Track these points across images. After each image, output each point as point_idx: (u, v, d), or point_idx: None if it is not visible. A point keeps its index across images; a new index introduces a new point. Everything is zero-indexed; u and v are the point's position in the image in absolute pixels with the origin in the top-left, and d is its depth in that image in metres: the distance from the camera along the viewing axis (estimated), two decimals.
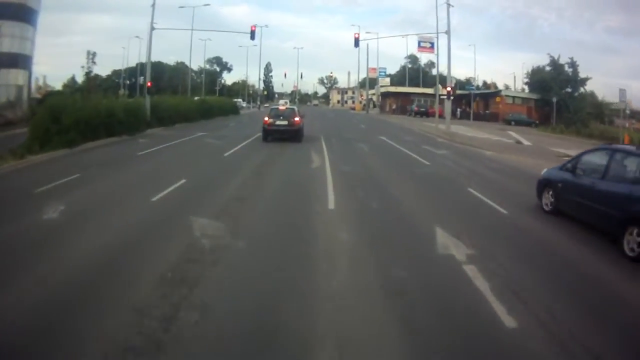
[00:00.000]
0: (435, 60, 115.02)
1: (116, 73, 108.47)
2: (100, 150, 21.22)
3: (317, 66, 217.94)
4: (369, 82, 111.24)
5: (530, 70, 74.98)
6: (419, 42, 40.54)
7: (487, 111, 69.34)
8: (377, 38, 66.98)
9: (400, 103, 76.72)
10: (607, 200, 9.10)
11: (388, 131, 36.44)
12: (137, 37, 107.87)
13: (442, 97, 70.36)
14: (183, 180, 13.25)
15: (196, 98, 52.00)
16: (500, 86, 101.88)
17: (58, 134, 21.01)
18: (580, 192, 10.06)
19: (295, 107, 26.47)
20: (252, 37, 38.99)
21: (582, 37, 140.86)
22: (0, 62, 58.44)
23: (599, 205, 9.29)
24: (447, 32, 37.30)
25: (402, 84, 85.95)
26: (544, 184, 11.59)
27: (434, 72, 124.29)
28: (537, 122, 61.29)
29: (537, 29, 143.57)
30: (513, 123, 59.34)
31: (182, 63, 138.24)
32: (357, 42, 41.18)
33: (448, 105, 37.73)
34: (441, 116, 65.38)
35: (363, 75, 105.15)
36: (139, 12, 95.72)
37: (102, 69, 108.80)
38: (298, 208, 10.58)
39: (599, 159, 10.05)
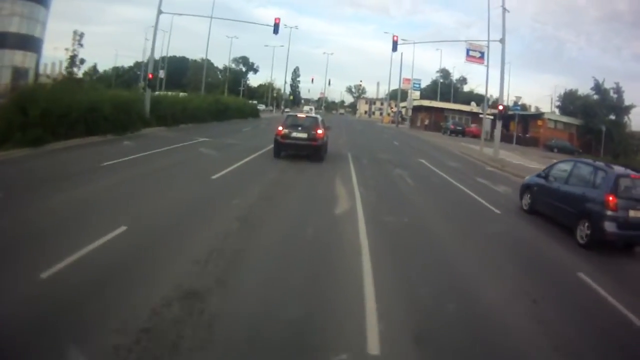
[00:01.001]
0: (465, 75, 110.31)
1: (138, 65, 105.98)
2: (65, 153, 16.42)
3: (346, 75, 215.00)
4: (397, 95, 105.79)
5: (562, 94, 71.80)
6: (468, 51, 34.76)
7: (527, 134, 63.13)
8: (415, 43, 60.85)
9: (433, 119, 70.82)
10: (567, 200, 11.40)
11: (426, 152, 30.86)
12: (162, 30, 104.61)
13: (481, 115, 65.15)
14: (121, 229, 7.96)
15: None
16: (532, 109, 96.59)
17: (23, 129, 16.40)
18: (549, 194, 12.26)
19: (319, 116, 20.99)
20: (276, 31, 33.84)
21: (609, 63, 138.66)
22: (4, 42, 54.75)
23: (561, 204, 11.57)
24: (502, 41, 31.55)
25: (432, 99, 79.90)
26: (524, 188, 13.93)
27: (466, 88, 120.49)
28: (580, 150, 55.35)
29: (566, 52, 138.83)
30: (555, 150, 53.56)
31: (208, 60, 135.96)
32: (395, 46, 35.64)
33: (499, 128, 31.93)
34: (476, 136, 60.36)
35: (393, 86, 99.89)
36: (171, 5, 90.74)
37: (127, 60, 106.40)
38: (303, 347, 5.01)
39: (565, 168, 12.36)
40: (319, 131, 18.48)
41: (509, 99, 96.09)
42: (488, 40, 34.92)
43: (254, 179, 14.20)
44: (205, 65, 58.81)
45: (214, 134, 28.17)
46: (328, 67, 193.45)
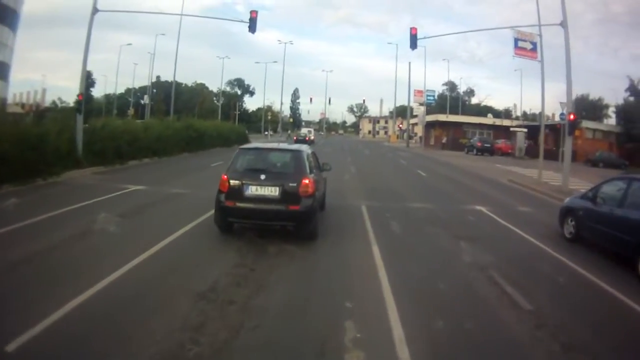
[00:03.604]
0: (472, 87, 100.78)
1: (129, 92, 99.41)
2: None
3: (347, 95, 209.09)
4: (402, 111, 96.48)
5: (574, 100, 63.75)
6: (516, 41, 25.55)
7: (560, 148, 53.48)
8: (441, 35, 51.80)
9: (451, 135, 61.23)
10: (623, 227, 9.20)
11: (472, 188, 21.44)
12: (149, 52, 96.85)
13: (512, 129, 55.74)
14: None
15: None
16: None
17: None
18: (599, 220, 10.09)
19: (305, 149, 10.71)
20: (251, 29, 24.91)
21: (607, 66, 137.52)
22: None
23: (615, 232, 9.39)
24: (564, 24, 22.24)
25: (439, 114, 70.29)
26: (565, 213, 11.71)
27: (474, 100, 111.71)
28: (627, 163, 46.26)
29: (562, 57, 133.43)
30: (601, 165, 44.48)
31: (202, 84, 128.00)
32: (414, 41, 26.36)
33: (569, 146, 22.59)
34: (506, 154, 51.14)
35: (400, 102, 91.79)
36: (169, 34, 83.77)
37: (120, 88, 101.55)
38: None
39: (617, 188, 10.15)
40: (305, 181, 9.05)
41: (517, 109, 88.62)
42: (539, 25, 25.66)
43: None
44: (174, 86, 49.42)
45: (162, 176, 19.52)
46: (328, 87, 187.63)
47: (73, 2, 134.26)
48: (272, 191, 8.93)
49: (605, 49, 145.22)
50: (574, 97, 60.14)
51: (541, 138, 26.42)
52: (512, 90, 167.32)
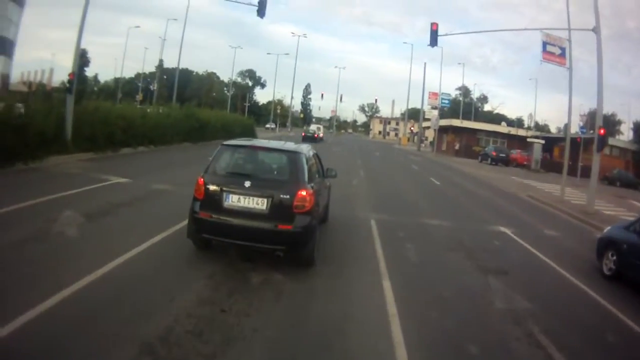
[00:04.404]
0: (485, 94, 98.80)
1: (139, 76, 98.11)
2: None
3: (358, 94, 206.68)
4: (413, 114, 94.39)
5: (587, 113, 62.37)
6: (544, 45, 23.44)
7: (578, 163, 51.17)
8: (464, 33, 49.90)
9: (465, 141, 59.02)
10: None
11: (489, 200, 19.57)
12: (159, 37, 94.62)
13: (529, 140, 53.44)
14: None
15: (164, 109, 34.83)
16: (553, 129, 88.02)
17: None
18: None
19: (304, 149, 8.46)
20: (260, 13, 23.42)
21: (619, 81, 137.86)
22: None
23: None
24: (596, 30, 20.26)
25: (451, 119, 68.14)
26: (605, 244, 10.05)
27: (486, 107, 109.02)
28: None
29: (578, 71, 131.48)
30: (618, 184, 42.38)
31: (212, 73, 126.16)
32: (434, 37, 24.25)
33: (596, 164, 20.47)
34: (521, 165, 48.87)
35: (412, 104, 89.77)
36: (182, 19, 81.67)
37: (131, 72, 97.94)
38: None
39: None
40: (302, 193, 7.14)
41: (531, 119, 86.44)
42: (569, 29, 23.64)
43: None
44: (177, 72, 47.33)
45: (151, 168, 18.05)
46: (340, 85, 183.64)
47: None
48: (259, 203, 7.03)
49: (617, 64, 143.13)
50: (587, 111, 57.52)
51: (566, 152, 24.19)
52: (523, 100, 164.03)
